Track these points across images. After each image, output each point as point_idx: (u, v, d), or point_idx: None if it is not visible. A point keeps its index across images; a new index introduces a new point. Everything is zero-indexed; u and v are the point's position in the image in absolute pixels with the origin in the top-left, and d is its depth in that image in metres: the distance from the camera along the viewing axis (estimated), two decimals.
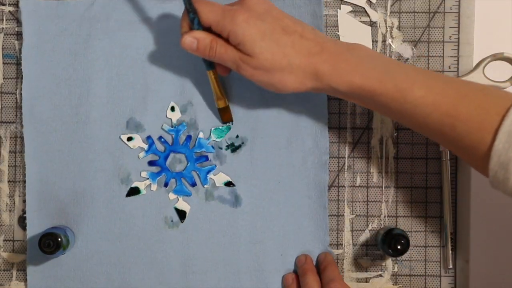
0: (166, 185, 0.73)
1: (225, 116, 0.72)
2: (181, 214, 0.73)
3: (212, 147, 0.73)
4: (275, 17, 0.64)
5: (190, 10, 0.65)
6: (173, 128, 0.73)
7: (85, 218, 0.72)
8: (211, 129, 0.73)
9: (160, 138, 0.73)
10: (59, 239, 0.68)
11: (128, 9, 0.73)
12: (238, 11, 0.64)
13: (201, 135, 0.73)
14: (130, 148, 0.73)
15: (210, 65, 0.70)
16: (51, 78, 0.73)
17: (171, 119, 0.73)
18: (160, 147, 0.73)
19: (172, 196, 0.73)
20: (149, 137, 0.73)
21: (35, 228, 0.72)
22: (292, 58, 0.63)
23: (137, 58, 0.73)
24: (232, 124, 0.73)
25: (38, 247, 0.67)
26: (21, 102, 0.73)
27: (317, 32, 0.65)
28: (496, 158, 0.58)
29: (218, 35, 0.66)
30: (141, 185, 0.73)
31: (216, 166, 0.73)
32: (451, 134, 0.61)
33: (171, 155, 0.73)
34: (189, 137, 0.73)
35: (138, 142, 0.73)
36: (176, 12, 0.73)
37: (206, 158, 0.73)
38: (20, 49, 0.74)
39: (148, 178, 0.73)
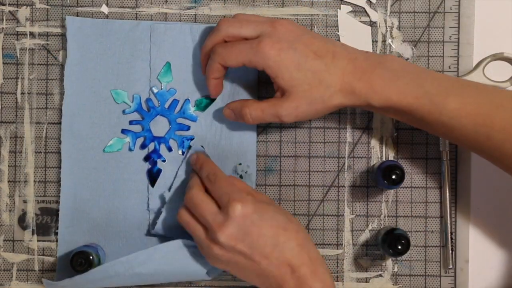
0: (144, 147, 0.73)
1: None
2: (153, 179, 0.73)
3: (194, 117, 0.73)
4: (305, 43, 0.65)
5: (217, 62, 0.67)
6: (162, 90, 0.73)
7: (117, 238, 0.72)
8: (195, 100, 0.73)
9: (148, 100, 0.73)
10: (91, 257, 0.67)
11: (172, 34, 0.73)
12: (267, 44, 0.64)
13: (188, 103, 0.73)
14: (116, 103, 0.73)
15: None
16: (92, 96, 0.73)
17: (160, 82, 0.73)
18: (145, 107, 0.73)
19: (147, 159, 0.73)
20: (136, 96, 0.73)
21: (66, 244, 0.72)
22: (328, 82, 0.64)
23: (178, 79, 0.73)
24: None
25: (69, 264, 0.67)
26: (22, 103, 0.73)
27: (347, 48, 0.66)
28: None
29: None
30: (121, 142, 0.73)
31: (194, 136, 0.73)
32: (487, 144, 0.62)
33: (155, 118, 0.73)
34: (175, 102, 0.73)
35: (124, 97, 0.73)
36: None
37: (188, 128, 0.73)
38: (21, 49, 0.74)
39: (127, 136, 0.73)
